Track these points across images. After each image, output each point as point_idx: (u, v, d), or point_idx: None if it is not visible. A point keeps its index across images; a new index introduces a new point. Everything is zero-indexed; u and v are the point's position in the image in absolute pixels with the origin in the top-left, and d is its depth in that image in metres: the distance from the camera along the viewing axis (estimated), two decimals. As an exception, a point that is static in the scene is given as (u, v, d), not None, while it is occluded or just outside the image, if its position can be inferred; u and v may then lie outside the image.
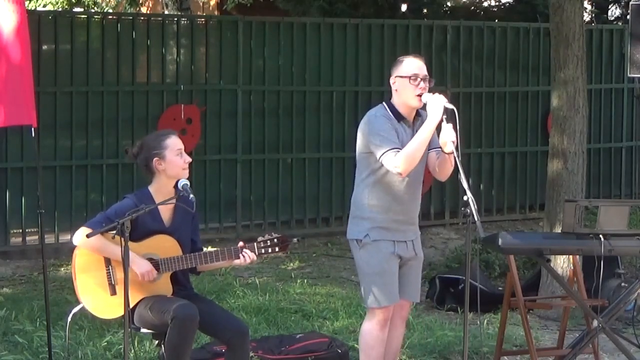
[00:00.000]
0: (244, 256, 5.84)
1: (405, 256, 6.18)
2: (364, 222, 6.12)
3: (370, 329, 6.18)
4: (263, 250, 5.89)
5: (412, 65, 6.12)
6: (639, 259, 9.44)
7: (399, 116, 6.11)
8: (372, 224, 6.09)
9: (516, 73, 13.18)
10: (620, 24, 15.70)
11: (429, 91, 6.07)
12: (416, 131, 6.06)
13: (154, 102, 11.48)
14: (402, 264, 6.18)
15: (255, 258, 5.88)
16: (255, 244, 5.90)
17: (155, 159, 5.84)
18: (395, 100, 6.15)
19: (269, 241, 5.89)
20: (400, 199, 6.11)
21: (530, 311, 8.57)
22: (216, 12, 17.88)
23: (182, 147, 5.90)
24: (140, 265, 5.71)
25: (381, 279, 6.10)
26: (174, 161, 5.84)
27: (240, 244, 5.90)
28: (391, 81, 6.17)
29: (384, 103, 6.19)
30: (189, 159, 5.89)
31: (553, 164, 9.28)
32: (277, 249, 5.91)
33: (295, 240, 6.16)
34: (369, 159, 6.09)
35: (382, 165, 6.00)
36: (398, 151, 5.95)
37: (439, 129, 6.00)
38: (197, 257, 5.83)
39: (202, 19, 12.31)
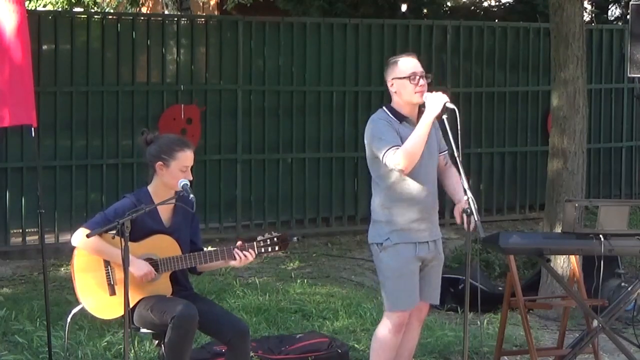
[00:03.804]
0: (239, 256, 5.82)
1: (427, 257, 6.15)
2: (383, 226, 6.09)
3: (385, 332, 6.15)
4: (263, 249, 5.87)
5: (408, 64, 6.11)
6: (639, 259, 9.44)
7: (400, 117, 6.10)
8: (392, 227, 6.06)
9: (516, 73, 13.18)
10: (620, 24, 15.70)
11: (429, 91, 6.07)
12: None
13: (154, 102, 11.48)
14: (423, 266, 6.16)
15: (250, 257, 5.85)
16: (254, 243, 5.87)
17: (159, 162, 5.82)
18: (396, 101, 6.13)
19: (268, 240, 5.87)
20: (415, 199, 6.07)
21: (530, 311, 8.57)
22: (216, 12, 17.88)
23: (191, 164, 5.84)
24: (138, 267, 5.69)
25: (401, 283, 6.07)
26: (174, 174, 5.79)
27: (239, 243, 5.88)
28: (388, 84, 6.13)
29: (384, 107, 6.18)
30: (191, 178, 5.83)
31: (553, 164, 9.29)
32: (277, 248, 5.88)
33: (295, 239, 6.13)
34: (378, 163, 6.07)
35: (389, 166, 6.00)
36: (398, 148, 5.94)
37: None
38: (196, 256, 5.81)
39: (202, 19, 12.32)
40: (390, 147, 5.95)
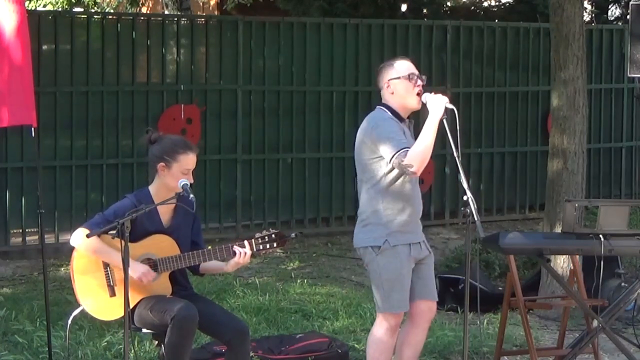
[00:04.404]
0: (239, 251, 5.80)
1: (420, 256, 6.15)
2: (379, 228, 6.04)
3: (381, 335, 6.12)
4: (261, 247, 5.85)
5: (405, 65, 6.10)
6: (639, 259, 9.44)
7: (399, 118, 6.09)
8: (389, 229, 6.02)
9: (516, 73, 13.18)
10: (620, 24, 15.70)
11: (428, 90, 6.06)
12: (411, 131, 6.07)
13: (154, 102, 11.48)
14: (418, 265, 6.15)
15: (250, 252, 5.84)
16: (253, 240, 5.86)
17: (161, 163, 5.80)
18: (392, 103, 6.10)
19: (266, 237, 5.85)
20: (409, 199, 6.07)
21: (530, 311, 8.56)
22: (216, 12, 17.88)
23: (193, 167, 5.82)
24: (136, 269, 5.68)
25: (399, 285, 6.05)
26: (176, 175, 5.77)
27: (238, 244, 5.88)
28: (384, 86, 6.09)
29: (381, 107, 6.12)
30: (192, 181, 5.82)
31: (553, 164, 9.29)
32: (275, 245, 5.87)
33: (292, 235, 6.12)
34: (378, 163, 6.00)
35: (393, 167, 5.95)
36: (408, 150, 5.90)
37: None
38: (194, 255, 5.79)
39: (202, 19, 12.32)
40: (402, 149, 5.88)
